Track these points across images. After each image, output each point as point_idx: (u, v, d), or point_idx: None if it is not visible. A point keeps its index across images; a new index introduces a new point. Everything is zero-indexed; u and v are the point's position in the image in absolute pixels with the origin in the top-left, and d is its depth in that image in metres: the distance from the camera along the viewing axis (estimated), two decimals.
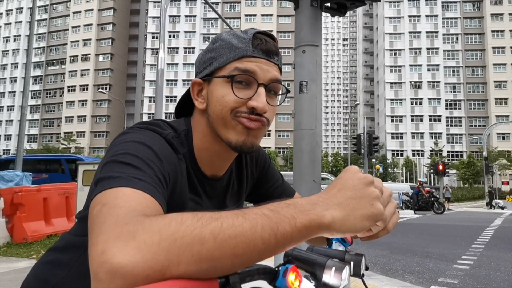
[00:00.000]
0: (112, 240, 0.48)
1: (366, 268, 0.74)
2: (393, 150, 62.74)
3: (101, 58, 70.80)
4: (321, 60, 2.97)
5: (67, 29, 72.63)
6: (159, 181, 0.65)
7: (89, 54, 70.37)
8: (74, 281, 0.80)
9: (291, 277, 0.55)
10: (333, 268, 0.59)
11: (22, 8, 74.23)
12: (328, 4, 3.09)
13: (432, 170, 39.54)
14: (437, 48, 64.13)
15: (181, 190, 0.79)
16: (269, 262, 0.64)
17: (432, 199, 20.79)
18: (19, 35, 73.74)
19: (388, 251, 8.02)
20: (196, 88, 0.85)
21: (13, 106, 71.47)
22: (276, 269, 0.57)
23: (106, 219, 0.52)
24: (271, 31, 0.88)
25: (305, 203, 0.55)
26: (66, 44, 72.26)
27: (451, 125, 63.18)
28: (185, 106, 0.91)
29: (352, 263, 0.63)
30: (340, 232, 0.55)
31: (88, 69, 70.01)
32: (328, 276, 0.58)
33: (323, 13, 3.15)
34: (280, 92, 0.84)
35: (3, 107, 73.04)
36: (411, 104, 63.60)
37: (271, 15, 65.28)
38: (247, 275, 0.53)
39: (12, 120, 71.18)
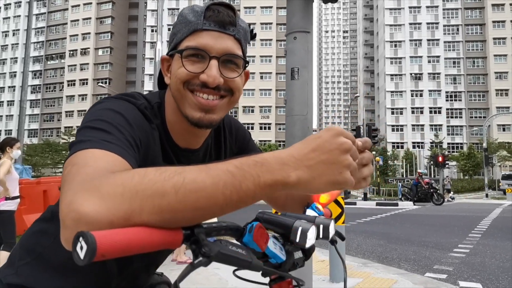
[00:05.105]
0: (79, 192, 0.51)
1: (343, 239, 0.77)
2: (393, 142, 62.68)
3: (100, 52, 70.56)
4: (312, 46, 2.99)
5: (66, 23, 72.26)
6: (129, 144, 0.68)
7: (89, 48, 70.12)
8: (59, 249, 0.80)
9: (256, 233, 0.57)
10: (300, 228, 0.60)
11: (20, 2, 73.80)
12: None
13: (432, 162, 39.57)
14: (438, 40, 63.78)
15: (154, 158, 0.80)
16: None
17: (431, 190, 20.84)
18: (18, 29, 73.41)
19: (385, 241, 8.08)
20: (165, 64, 0.86)
21: (13, 101, 71.38)
22: (244, 227, 0.58)
23: (75, 177, 0.55)
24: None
25: (274, 162, 0.54)
26: (65, 38, 71.96)
27: (452, 117, 63.04)
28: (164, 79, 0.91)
29: (321, 226, 0.65)
30: (302, 191, 0.57)
31: (87, 63, 69.81)
32: (295, 236, 0.60)
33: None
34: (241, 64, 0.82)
35: (3, 102, 72.99)
36: (412, 96, 63.41)
37: (270, 7, 64.83)
38: (213, 230, 0.54)
39: (12, 115, 71.12)
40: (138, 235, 0.47)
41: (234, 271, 0.68)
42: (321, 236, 0.65)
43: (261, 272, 0.62)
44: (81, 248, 0.44)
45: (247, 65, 0.84)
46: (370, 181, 0.62)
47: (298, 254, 0.65)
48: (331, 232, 0.66)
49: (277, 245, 0.61)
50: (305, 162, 0.55)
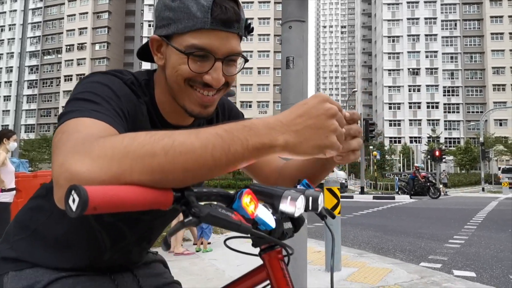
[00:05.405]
0: (70, 154, 0.53)
1: (333, 217, 0.80)
2: (390, 137, 62.85)
3: (97, 47, 70.25)
4: (307, 36, 3.00)
5: (63, 18, 71.86)
6: (117, 114, 0.70)
7: (85, 43, 69.77)
8: (53, 224, 0.85)
9: (245, 199, 0.58)
10: (289, 197, 0.62)
11: None
12: None
13: (429, 157, 39.74)
14: (436, 35, 63.78)
15: (142, 130, 0.78)
16: None
17: (428, 184, 20.95)
18: (14, 24, 72.91)
19: (381, 232, 8.14)
20: (155, 44, 0.82)
21: (10, 96, 70.97)
22: (234, 194, 0.60)
23: (66, 143, 0.56)
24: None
25: (262, 127, 0.56)
26: (62, 33, 71.56)
27: (449, 112, 63.20)
28: (147, 52, 0.87)
29: (311, 198, 0.66)
30: (289, 155, 0.59)
31: (84, 58, 69.52)
32: (284, 205, 0.62)
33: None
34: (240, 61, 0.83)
35: None
36: (409, 91, 63.50)
37: (268, 2, 64.66)
38: (204, 194, 0.56)
39: (8, 110, 70.78)
40: (129, 193, 0.48)
41: (225, 240, 0.68)
42: (310, 208, 0.66)
43: (251, 242, 0.64)
44: (73, 200, 0.44)
45: (246, 62, 0.84)
46: (359, 155, 0.68)
47: (287, 225, 0.66)
48: (320, 204, 0.67)
49: (266, 213, 0.61)
50: (292, 127, 0.57)
